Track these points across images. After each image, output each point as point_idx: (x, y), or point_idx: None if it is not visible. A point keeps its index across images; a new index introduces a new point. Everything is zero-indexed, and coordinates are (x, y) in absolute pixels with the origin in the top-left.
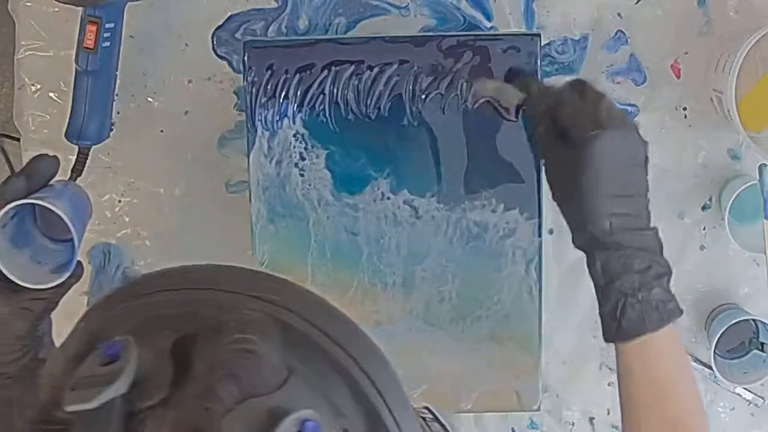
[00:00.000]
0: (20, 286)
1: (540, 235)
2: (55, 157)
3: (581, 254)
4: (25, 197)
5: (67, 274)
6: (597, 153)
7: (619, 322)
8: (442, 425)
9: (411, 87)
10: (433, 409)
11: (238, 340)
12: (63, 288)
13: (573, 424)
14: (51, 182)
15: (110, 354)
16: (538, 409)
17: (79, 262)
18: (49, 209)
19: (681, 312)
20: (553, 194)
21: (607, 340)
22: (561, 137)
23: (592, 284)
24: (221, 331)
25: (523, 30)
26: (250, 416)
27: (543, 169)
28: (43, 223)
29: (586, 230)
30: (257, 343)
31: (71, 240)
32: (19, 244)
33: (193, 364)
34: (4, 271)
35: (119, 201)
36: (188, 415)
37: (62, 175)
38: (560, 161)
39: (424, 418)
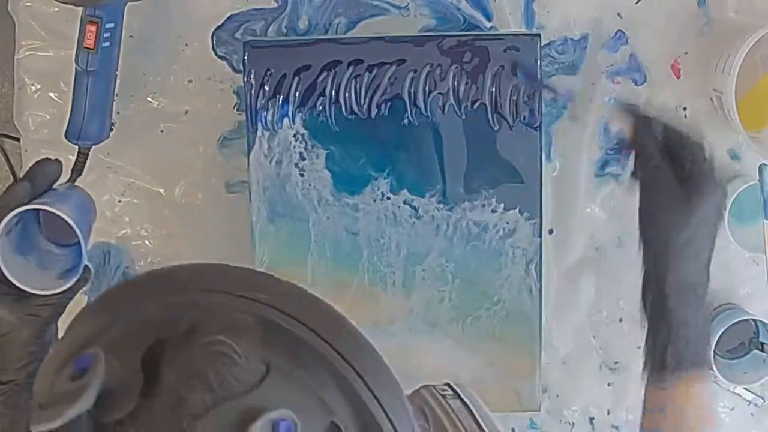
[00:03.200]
0: (27, 292)
1: (540, 235)
2: (57, 160)
3: (581, 254)
4: (29, 203)
5: (75, 279)
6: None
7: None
8: (464, 402)
9: (411, 87)
10: (454, 386)
11: (209, 343)
12: (71, 292)
13: (573, 424)
14: (54, 186)
15: (80, 368)
16: (538, 409)
17: (86, 266)
18: (53, 214)
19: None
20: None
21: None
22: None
23: (591, 284)
24: (193, 334)
25: (523, 30)
26: (222, 421)
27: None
28: (47, 228)
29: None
30: (230, 343)
31: (75, 244)
32: (24, 251)
33: (163, 373)
34: (11, 278)
35: (119, 201)
36: (157, 426)
37: (62, 175)
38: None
39: (444, 395)
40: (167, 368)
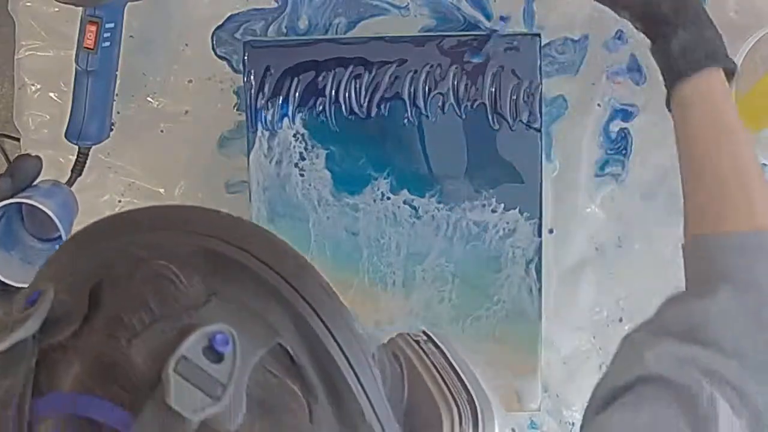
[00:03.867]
0: (12, 286)
1: (540, 235)
2: (37, 156)
3: (581, 254)
4: (11, 197)
5: None
6: None
7: (684, 56)
8: (437, 345)
9: (411, 87)
10: (429, 332)
11: (151, 268)
12: None
13: (573, 424)
14: (35, 182)
15: (30, 301)
16: (538, 409)
17: None
18: (37, 209)
19: (735, 66)
20: None
21: (671, 80)
22: None
23: (592, 284)
24: (137, 265)
25: (523, 30)
26: (160, 337)
27: None
28: (30, 223)
29: None
30: (171, 268)
31: (58, 239)
32: (7, 246)
33: (105, 298)
34: None
35: (119, 201)
36: (96, 344)
37: (62, 175)
38: None
39: (417, 341)
40: (109, 294)
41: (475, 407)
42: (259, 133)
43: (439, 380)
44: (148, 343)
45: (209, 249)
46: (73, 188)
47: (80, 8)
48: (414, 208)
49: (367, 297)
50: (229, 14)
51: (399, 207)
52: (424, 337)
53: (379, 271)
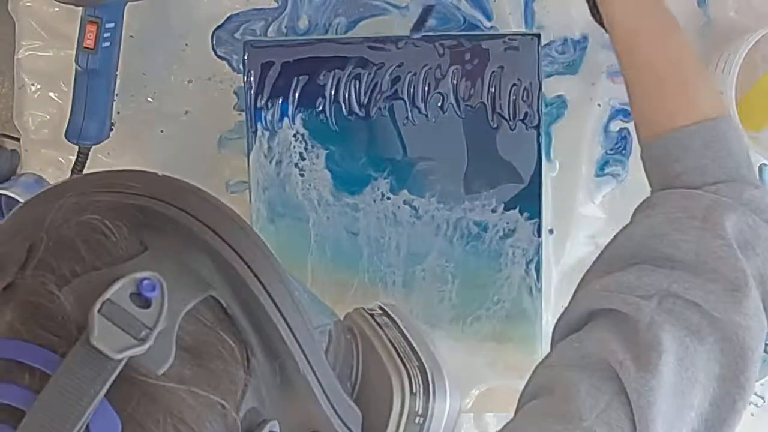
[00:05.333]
0: None
1: (540, 235)
2: (14, 150)
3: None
4: None
5: None
6: None
7: None
8: (391, 318)
9: (411, 87)
10: (384, 306)
11: (85, 222)
12: None
13: None
14: (15, 176)
15: None
16: None
17: None
18: (15, 201)
19: None
20: None
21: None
22: None
23: None
24: (74, 220)
25: (523, 30)
26: (89, 286)
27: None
28: None
29: None
30: (103, 221)
31: None
32: None
33: (40, 249)
34: None
35: None
36: (28, 292)
37: (62, 175)
38: None
39: (372, 314)
40: (44, 247)
41: (426, 374)
42: (259, 133)
43: (391, 350)
44: (78, 290)
45: (146, 206)
46: None
47: (80, 8)
48: (414, 208)
49: (367, 297)
50: (229, 14)
51: (399, 207)
52: (380, 311)
53: (379, 271)
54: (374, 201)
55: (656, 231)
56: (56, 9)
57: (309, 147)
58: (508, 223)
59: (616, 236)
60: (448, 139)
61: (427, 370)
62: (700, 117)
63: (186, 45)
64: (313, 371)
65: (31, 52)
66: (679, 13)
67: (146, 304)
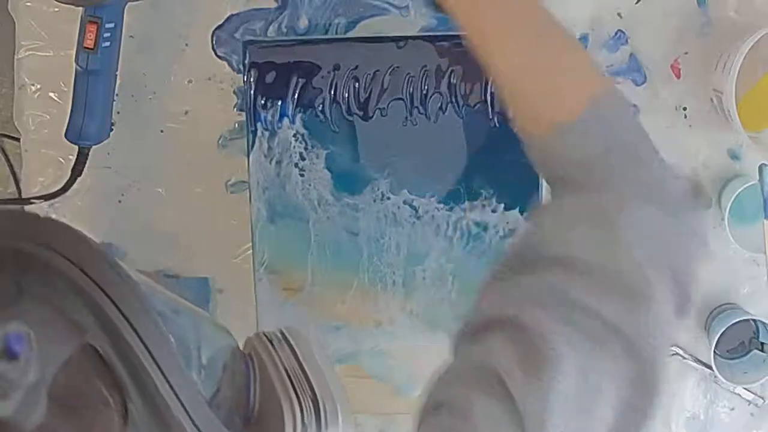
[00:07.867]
0: None
1: None
2: None
3: None
4: None
5: None
6: None
7: None
8: (290, 346)
9: (411, 87)
10: (285, 331)
11: None
12: None
13: None
14: None
15: None
16: None
17: None
18: None
19: None
20: None
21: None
22: None
23: None
24: None
25: None
26: None
27: None
28: None
29: None
30: None
31: None
32: None
33: None
34: None
35: (119, 201)
36: None
37: (62, 175)
38: None
39: (271, 341)
40: None
41: (318, 405)
42: (259, 133)
43: (286, 380)
44: None
45: (17, 249)
46: (73, 188)
47: (80, 8)
48: (414, 208)
49: (367, 297)
50: (229, 14)
51: (399, 207)
52: (279, 336)
53: (379, 271)
54: (374, 201)
55: (551, 234)
56: (56, 9)
57: (309, 147)
58: (508, 223)
59: (515, 238)
60: (448, 139)
61: (319, 400)
62: (577, 109)
63: (186, 45)
64: (188, 413)
65: (31, 52)
66: (679, 13)
67: (13, 357)
